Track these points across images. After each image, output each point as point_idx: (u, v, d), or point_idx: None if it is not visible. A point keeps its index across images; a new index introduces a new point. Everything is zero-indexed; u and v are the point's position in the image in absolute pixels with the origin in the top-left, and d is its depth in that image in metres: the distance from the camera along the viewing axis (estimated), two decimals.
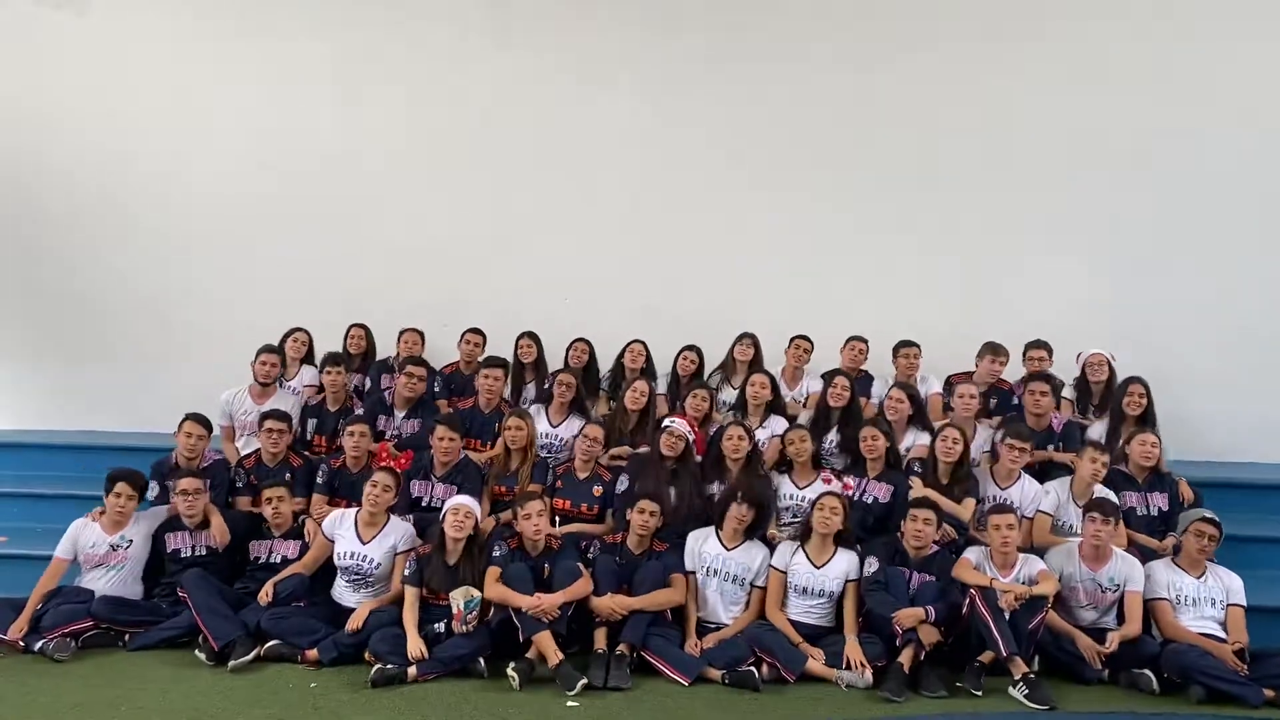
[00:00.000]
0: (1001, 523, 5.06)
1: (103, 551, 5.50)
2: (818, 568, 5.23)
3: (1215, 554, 5.35)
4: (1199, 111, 7.61)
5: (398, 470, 5.70)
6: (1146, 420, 6.06)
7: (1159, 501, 5.73)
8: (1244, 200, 7.56)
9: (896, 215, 7.95)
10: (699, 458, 5.97)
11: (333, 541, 5.46)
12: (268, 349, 6.78)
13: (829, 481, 5.59)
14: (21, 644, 5.15)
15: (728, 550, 5.36)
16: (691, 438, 5.89)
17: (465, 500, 5.33)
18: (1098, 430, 6.18)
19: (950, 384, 6.76)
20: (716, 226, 8.15)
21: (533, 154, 8.34)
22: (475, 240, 8.33)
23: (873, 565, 5.17)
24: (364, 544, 5.41)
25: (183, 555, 5.61)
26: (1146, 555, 5.35)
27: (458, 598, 4.95)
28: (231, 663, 4.92)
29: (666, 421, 5.92)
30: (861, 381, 6.93)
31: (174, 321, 8.50)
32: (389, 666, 4.83)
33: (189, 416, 6.04)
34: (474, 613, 4.94)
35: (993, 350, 6.68)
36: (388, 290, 8.17)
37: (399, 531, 5.49)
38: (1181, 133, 7.60)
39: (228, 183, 8.48)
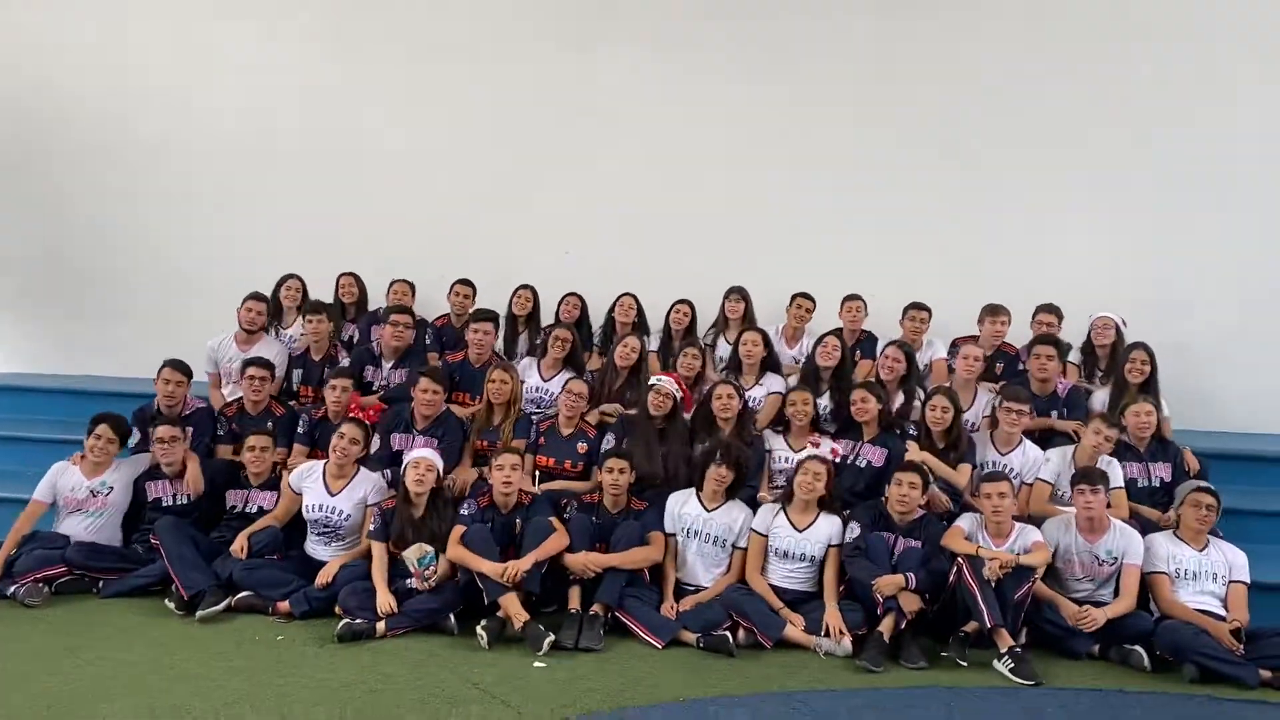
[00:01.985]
0: (993, 491, 4.88)
1: (82, 495, 5.45)
2: (799, 531, 5.07)
3: (1223, 528, 5.16)
4: (1225, 68, 7.22)
5: (366, 422, 5.58)
6: (1148, 388, 5.81)
7: (1161, 472, 5.50)
8: (1270, 162, 7.17)
9: (908, 174, 7.65)
10: (688, 416, 5.80)
11: (300, 494, 5.36)
12: (254, 296, 6.68)
13: (816, 445, 5.40)
14: None
15: (708, 511, 5.21)
16: (679, 396, 5.72)
17: (426, 453, 5.22)
18: (1100, 399, 5.94)
19: (955, 347, 6.54)
20: (721, 182, 7.90)
21: (533, 108, 8.13)
22: (475, 193, 8.16)
23: (854, 531, 5.01)
24: (332, 496, 5.32)
25: (164, 504, 5.55)
26: (1148, 527, 5.14)
27: (411, 556, 4.87)
28: (199, 612, 4.87)
29: (654, 380, 5.75)
30: (866, 343, 6.73)
31: (171, 269, 8.43)
32: (357, 621, 4.75)
33: (167, 363, 5.96)
34: (431, 567, 4.85)
35: (992, 311, 6.45)
36: (386, 241, 8.05)
37: (369, 483, 5.40)
38: (1206, 92, 7.21)
39: (225, 134, 8.40)
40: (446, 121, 8.25)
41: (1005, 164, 7.49)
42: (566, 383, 5.93)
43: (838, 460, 5.41)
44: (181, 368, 5.97)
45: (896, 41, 7.70)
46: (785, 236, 7.75)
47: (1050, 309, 6.54)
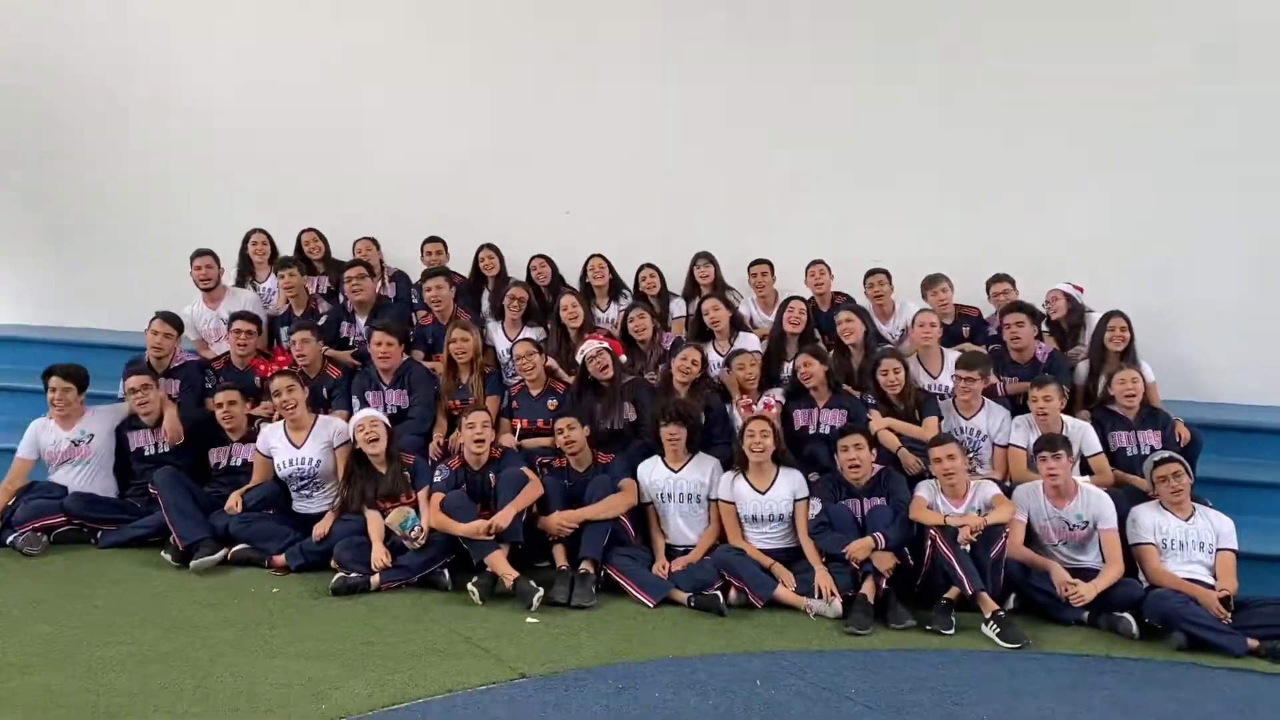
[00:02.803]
0: (942, 454, 4.88)
1: (64, 448, 5.48)
2: (762, 494, 5.09)
3: (1216, 500, 5.15)
4: (1226, 37, 7.03)
5: (286, 368, 5.60)
6: (1128, 355, 5.78)
7: (1151, 440, 5.47)
8: (1271, 132, 7.02)
9: (906, 141, 7.50)
10: (623, 358, 5.85)
11: (270, 457, 5.39)
12: (198, 252, 6.62)
13: (748, 409, 5.40)
14: None
15: (675, 472, 5.24)
16: (608, 348, 5.70)
17: (368, 412, 5.29)
18: (1081, 368, 5.92)
19: (962, 317, 6.52)
20: (722, 147, 7.79)
21: (533, 72, 8.04)
22: (475, 156, 8.09)
23: (815, 508, 5.03)
24: (298, 448, 5.35)
25: (146, 454, 5.59)
26: (1137, 496, 5.14)
27: (394, 522, 4.90)
28: (194, 563, 4.92)
29: (579, 353, 5.73)
30: (844, 306, 6.63)
31: (175, 224, 8.37)
32: (351, 575, 4.80)
33: (157, 315, 5.98)
34: (416, 528, 4.88)
35: (930, 283, 6.43)
36: (384, 202, 8.01)
37: (330, 427, 5.44)
38: (1206, 62, 7.06)
39: (225, 90, 8.36)
40: (444, 82, 8.18)
41: (1003, 132, 7.33)
42: (512, 345, 5.94)
43: (771, 411, 5.38)
44: (171, 320, 5.98)
45: (896, 7, 7.56)
46: (786, 207, 7.65)
47: (1002, 278, 6.50)
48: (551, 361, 6.08)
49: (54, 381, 5.48)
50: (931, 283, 6.44)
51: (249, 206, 7.99)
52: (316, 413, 5.54)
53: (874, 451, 5.13)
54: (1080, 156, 7.23)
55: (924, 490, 5.00)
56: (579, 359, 5.73)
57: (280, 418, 5.46)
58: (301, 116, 8.26)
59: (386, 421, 5.29)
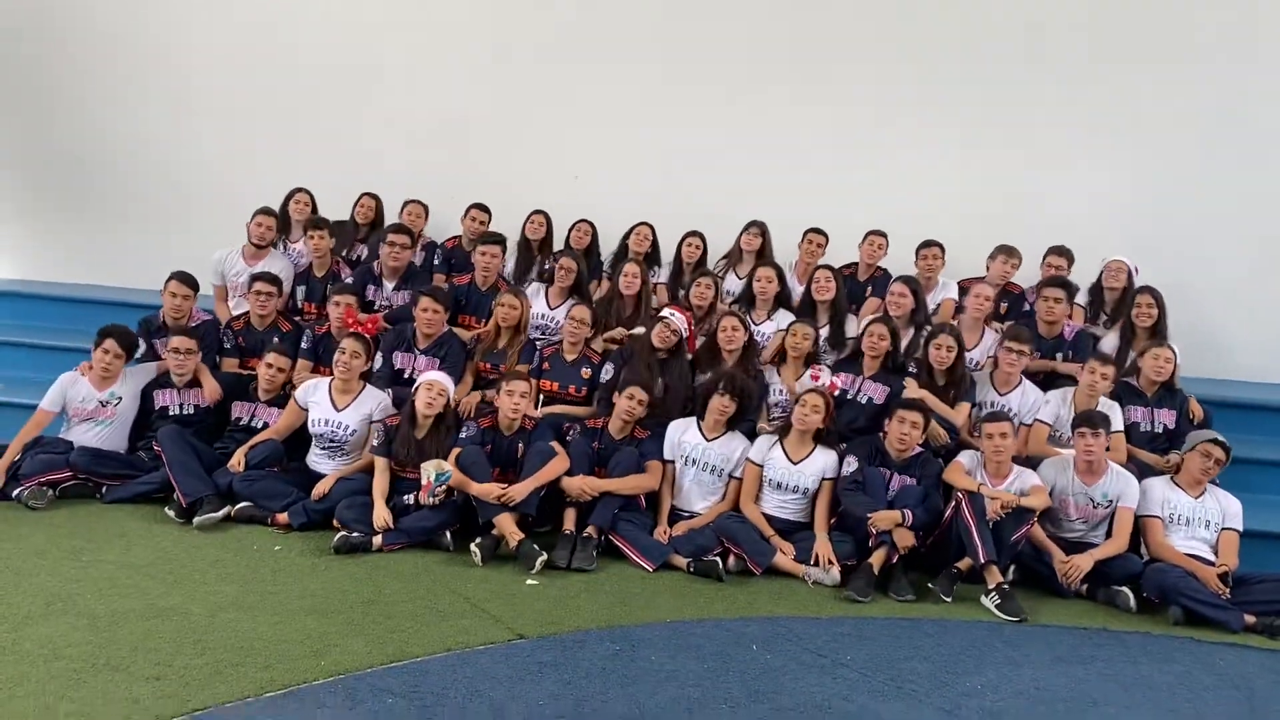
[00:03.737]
0: (995, 431, 4.87)
1: (92, 407, 5.50)
2: (794, 464, 5.09)
3: (1224, 476, 5.16)
4: (1246, 5, 6.95)
5: (366, 335, 5.58)
6: (1157, 333, 5.75)
7: (1165, 418, 5.47)
8: None
9: (927, 110, 7.47)
10: (689, 356, 5.78)
11: (306, 410, 5.39)
12: (264, 211, 6.62)
13: (815, 379, 5.39)
14: None
15: (708, 441, 5.23)
16: (685, 333, 5.68)
17: (440, 377, 5.22)
18: (1110, 342, 5.88)
19: (963, 288, 6.46)
20: (738, 113, 7.76)
21: (552, 32, 7.98)
22: (489, 116, 8.06)
23: (851, 465, 5.02)
24: (338, 411, 5.35)
25: (170, 413, 5.60)
26: (1145, 471, 5.13)
27: (429, 469, 4.88)
28: (197, 519, 4.94)
29: (665, 313, 5.71)
30: (880, 280, 6.63)
31: (180, 182, 8.41)
32: (353, 535, 4.82)
33: (174, 275, 5.95)
34: (443, 486, 4.87)
35: (1006, 252, 6.38)
36: (395, 160, 8.00)
37: (374, 399, 5.42)
38: (1226, 32, 6.96)
39: (236, 47, 8.30)
40: (458, 44, 8.12)
41: (1021, 104, 7.29)
42: (570, 309, 5.90)
43: (837, 395, 5.38)
44: (189, 281, 5.97)
45: None
46: (801, 170, 7.60)
47: (1061, 251, 6.44)
48: (620, 331, 6.06)
49: (109, 344, 5.48)
50: (1008, 253, 6.38)
51: (251, 165, 8.01)
52: (364, 382, 5.51)
53: (924, 435, 5.10)
54: (1096, 133, 7.16)
55: (966, 458, 5.00)
56: (661, 314, 5.66)
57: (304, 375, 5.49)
58: (310, 74, 8.21)
59: (451, 393, 5.25)
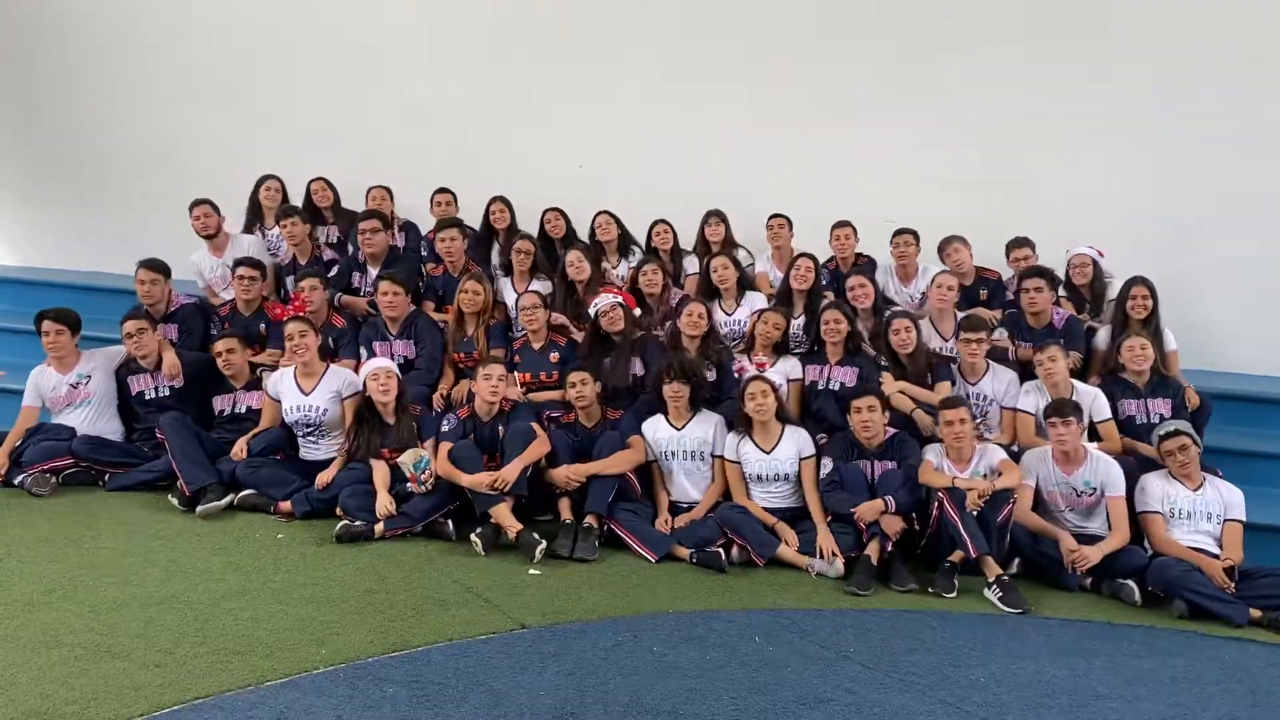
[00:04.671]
0: (954, 417, 4.84)
1: (64, 391, 5.52)
2: (767, 453, 5.07)
3: (1226, 470, 5.12)
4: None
5: (302, 313, 5.57)
6: (1149, 324, 5.70)
7: (1161, 408, 5.40)
8: None
9: (928, 102, 7.37)
10: (638, 311, 5.83)
11: (278, 400, 5.39)
12: (196, 202, 6.57)
13: (742, 371, 5.36)
14: (1, 479, 5.20)
15: (679, 430, 5.23)
16: (619, 300, 5.67)
17: (382, 363, 5.30)
18: (1103, 336, 5.85)
19: (982, 279, 6.43)
20: (737, 103, 7.67)
21: (556, 21, 7.94)
22: (488, 105, 8.02)
23: (827, 466, 5.01)
24: (306, 395, 5.36)
25: (147, 397, 5.61)
26: (1145, 464, 5.10)
27: (406, 462, 4.90)
28: (200, 508, 4.94)
29: (592, 307, 5.71)
30: (866, 267, 6.56)
31: (180, 168, 8.36)
32: (356, 523, 4.81)
33: (140, 264, 5.95)
34: (426, 471, 4.89)
35: (945, 243, 6.36)
36: (396, 151, 7.97)
37: (339, 377, 5.44)
38: (1227, 17, 6.88)
39: (237, 33, 8.28)
40: (455, 33, 8.08)
41: (1017, 89, 7.21)
42: (518, 299, 5.91)
43: (765, 370, 5.32)
44: (155, 266, 5.95)
45: None
46: (801, 162, 7.54)
47: (1022, 242, 6.40)
48: (560, 316, 6.06)
49: (46, 325, 5.50)
50: (946, 243, 6.37)
51: (251, 151, 7.96)
52: (326, 361, 5.52)
53: (887, 414, 5.10)
54: (1089, 117, 7.10)
55: (931, 454, 4.98)
56: (591, 312, 5.70)
57: (286, 364, 5.45)
58: (305, 62, 8.19)
59: (399, 374, 5.29)
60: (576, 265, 6.17)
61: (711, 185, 7.27)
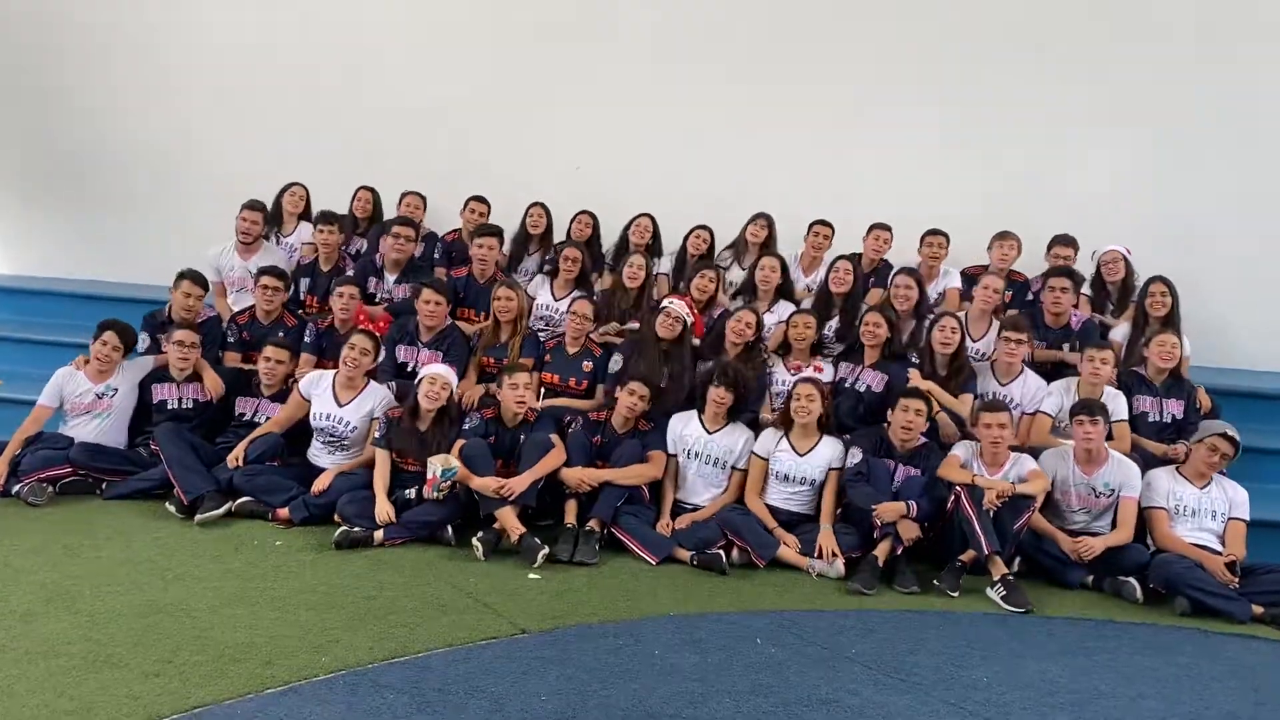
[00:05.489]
0: (993, 421, 4.83)
1: (89, 400, 5.48)
2: (801, 455, 5.06)
3: (1231, 465, 5.09)
4: None
5: (376, 334, 5.56)
6: (1170, 322, 5.70)
7: (1174, 408, 5.43)
8: None
9: (931, 98, 7.40)
10: (697, 340, 5.76)
11: (309, 401, 5.37)
12: (250, 205, 6.57)
13: (798, 370, 5.35)
14: None
15: (709, 433, 5.20)
16: (690, 320, 5.65)
17: (443, 370, 5.21)
18: (1121, 332, 5.84)
19: (966, 276, 6.43)
20: (740, 102, 7.68)
21: (556, 21, 7.93)
22: (490, 106, 8.00)
23: (856, 456, 4.99)
24: (340, 407, 5.32)
25: (169, 406, 5.57)
26: (1150, 461, 5.09)
27: (436, 464, 4.86)
28: (198, 516, 4.91)
29: (665, 302, 5.69)
30: (881, 271, 6.60)
31: (179, 175, 8.35)
32: (354, 529, 4.79)
33: (185, 275, 5.91)
34: (448, 481, 4.85)
35: (1001, 237, 6.36)
36: (396, 153, 7.94)
37: (377, 396, 5.39)
38: (1229, 15, 6.89)
39: (234, 39, 8.24)
40: (457, 37, 8.07)
41: (1023, 89, 7.23)
42: (572, 303, 5.87)
43: (820, 375, 5.34)
44: (200, 280, 5.95)
45: None
46: (804, 161, 7.54)
47: (1066, 241, 6.40)
48: (609, 332, 6.03)
49: (109, 336, 5.47)
50: (1003, 237, 6.36)
51: (257, 160, 7.94)
52: (369, 379, 5.48)
53: (927, 423, 5.07)
54: (1098, 116, 7.10)
55: (960, 449, 4.97)
56: (661, 305, 5.64)
57: (307, 370, 5.53)
58: (316, 67, 8.16)
59: (454, 387, 5.23)
60: (635, 270, 6.16)
61: (710, 186, 7.29)
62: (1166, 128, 7.01)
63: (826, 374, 5.58)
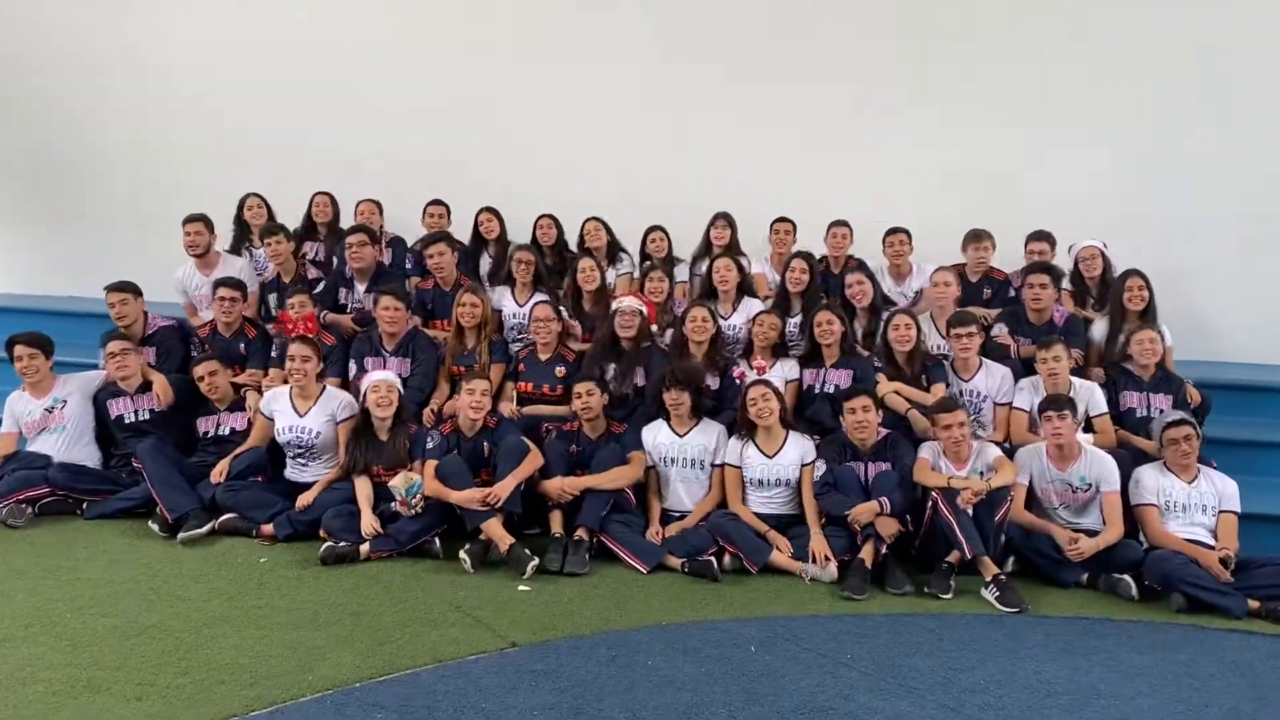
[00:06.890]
0: (952, 421, 4.78)
1: (39, 416, 5.43)
2: (770, 457, 5.01)
3: (1222, 460, 5.10)
4: None
5: (310, 335, 5.49)
6: (1147, 315, 5.68)
7: (1161, 403, 5.39)
8: (1274, 81, 6.89)
9: (903, 95, 7.40)
10: (665, 333, 5.76)
11: (272, 420, 5.30)
12: (190, 218, 6.45)
13: (742, 377, 5.33)
14: None
15: (680, 436, 5.17)
16: (644, 310, 5.64)
17: (385, 375, 5.20)
18: (1101, 328, 5.82)
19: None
20: (718, 106, 7.65)
21: (532, 29, 7.91)
22: (470, 113, 7.96)
23: (820, 468, 4.95)
24: (301, 416, 5.27)
25: (126, 421, 5.52)
26: (1140, 458, 5.06)
27: (398, 485, 4.82)
28: (182, 534, 4.84)
29: (614, 304, 5.67)
30: (859, 268, 6.54)
31: (157, 188, 8.28)
32: (340, 544, 4.73)
33: (108, 288, 5.85)
34: (417, 496, 4.80)
35: (975, 237, 6.31)
36: (372, 160, 7.89)
37: (336, 400, 5.35)
38: (1210, 6, 6.91)
39: (208, 48, 8.22)
40: (428, 36, 8.04)
41: (999, 81, 7.23)
42: (532, 309, 5.83)
43: (767, 372, 5.30)
44: (124, 287, 5.86)
45: None
46: (775, 160, 7.52)
47: (1043, 236, 6.39)
48: (573, 323, 5.99)
49: (19, 350, 5.42)
50: (976, 238, 6.31)
51: (236, 170, 7.84)
52: (324, 383, 5.44)
53: (880, 415, 5.04)
54: (1077, 112, 7.11)
55: (927, 452, 4.92)
56: (612, 308, 5.63)
57: (276, 383, 5.42)
58: (286, 77, 8.11)
59: (401, 389, 5.20)
60: (588, 273, 6.12)
61: (703, 190, 7.21)
62: (1144, 124, 7.02)
63: (779, 371, 5.52)
